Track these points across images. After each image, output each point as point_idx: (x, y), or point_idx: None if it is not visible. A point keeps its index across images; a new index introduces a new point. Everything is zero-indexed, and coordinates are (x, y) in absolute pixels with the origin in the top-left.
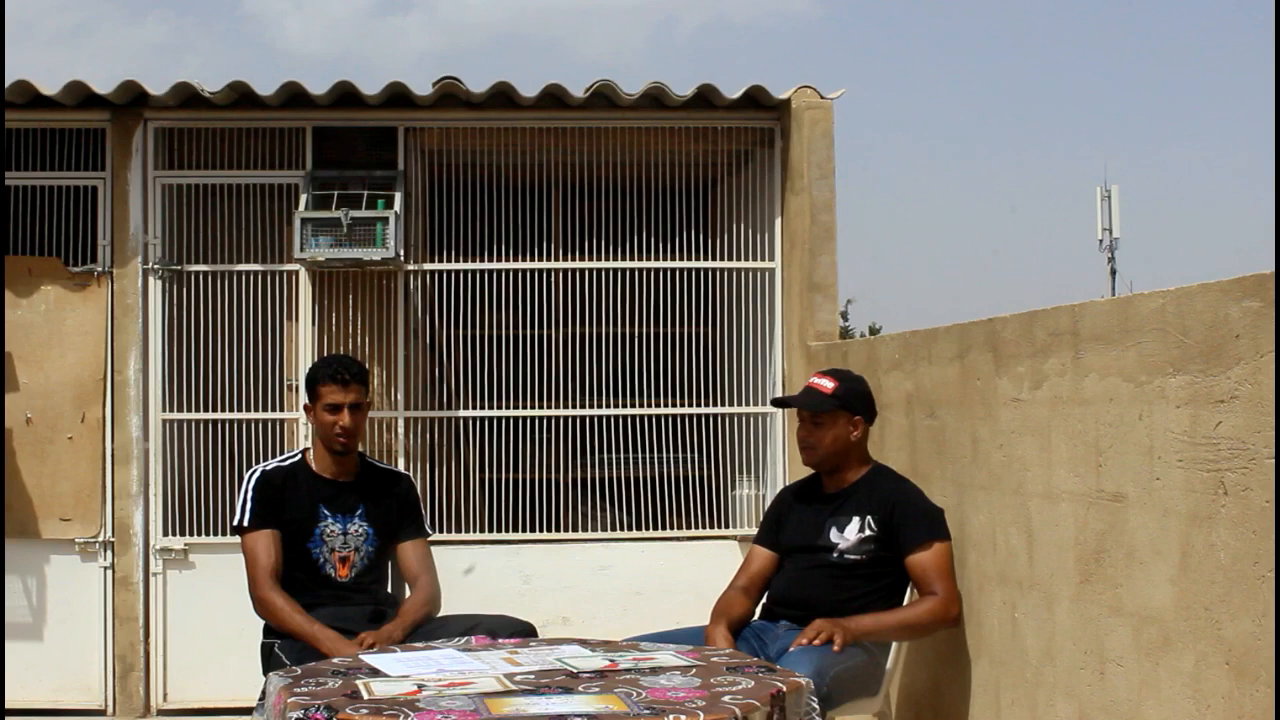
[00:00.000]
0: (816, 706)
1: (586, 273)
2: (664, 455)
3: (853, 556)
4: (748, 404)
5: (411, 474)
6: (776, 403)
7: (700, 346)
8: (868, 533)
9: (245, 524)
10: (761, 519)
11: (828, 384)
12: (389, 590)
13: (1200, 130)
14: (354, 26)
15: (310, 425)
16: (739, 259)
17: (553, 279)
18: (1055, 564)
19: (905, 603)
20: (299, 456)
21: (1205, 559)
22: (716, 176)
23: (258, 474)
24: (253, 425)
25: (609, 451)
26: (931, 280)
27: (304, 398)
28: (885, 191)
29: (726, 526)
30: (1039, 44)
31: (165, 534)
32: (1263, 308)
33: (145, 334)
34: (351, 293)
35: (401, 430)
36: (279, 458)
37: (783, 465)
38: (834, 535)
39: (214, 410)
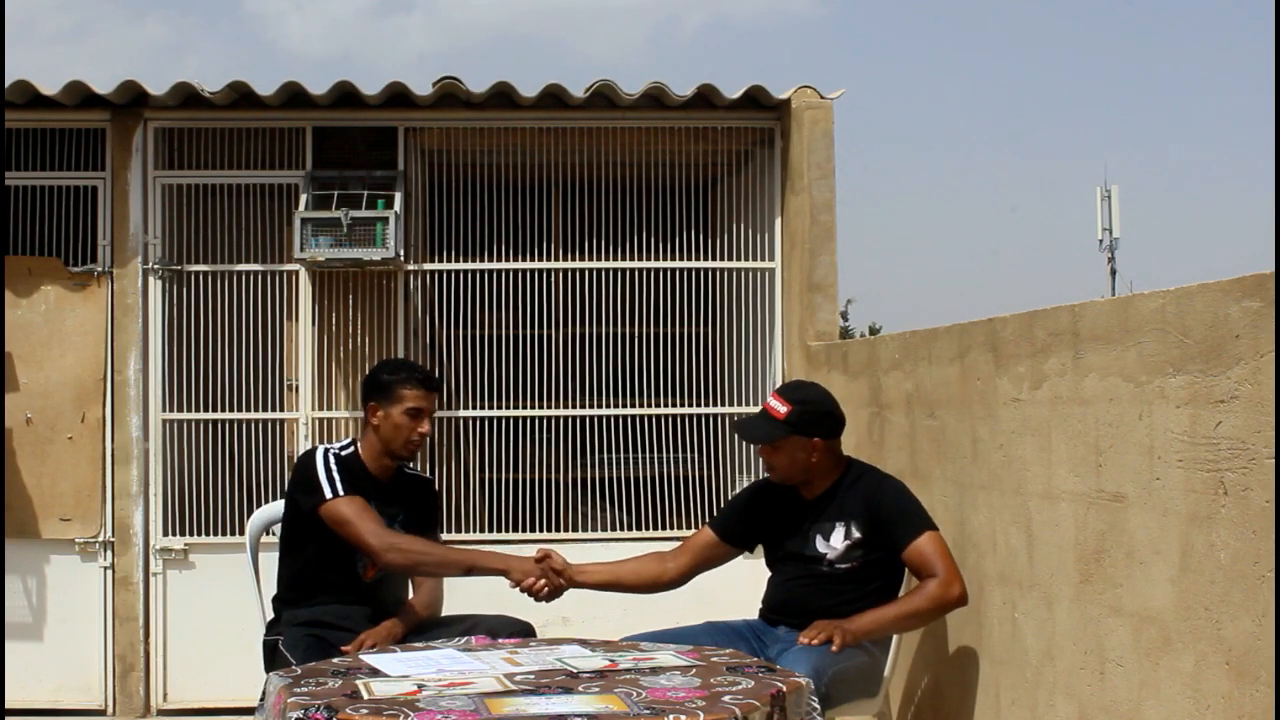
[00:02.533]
0: (817, 706)
1: (586, 273)
2: (664, 455)
3: (843, 565)
4: (748, 404)
5: (431, 478)
6: (734, 428)
7: (700, 346)
8: (854, 538)
9: (338, 492)
10: (727, 503)
11: (781, 407)
12: (399, 595)
13: (1200, 130)
14: (355, 26)
15: (369, 425)
16: (739, 259)
17: (553, 279)
18: (1055, 564)
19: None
20: (352, 449)
21: (1205, 559)
22: (716, 176)
23: (326, 452)
24: (253, 425)
25: (609, 451)
26: (931, 280)
27: (363, 396)
28: (885, 191)
29: None
30: (1039, 44)
31: (165, 534)
32: (1263, 308)
33: (145, 334)
34: (351, 293)
35: None
36: (336, 445)
37: None
38: (820, 544)
39: (214, 410)
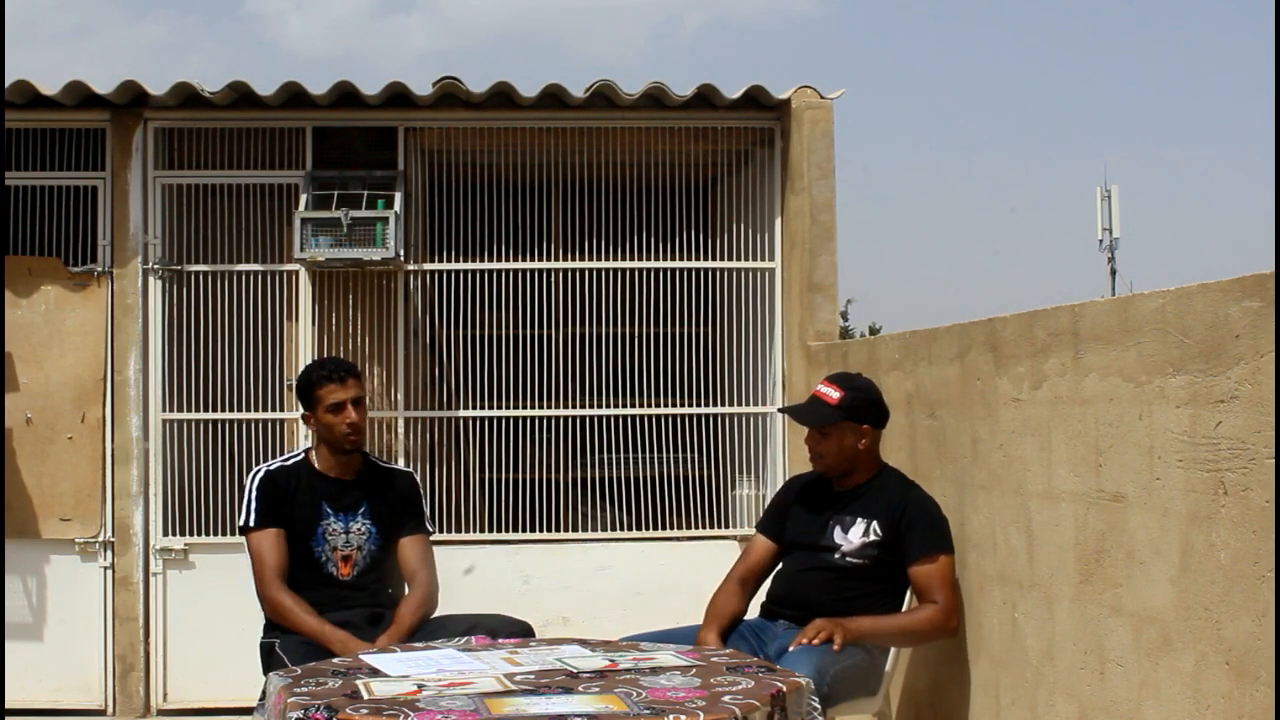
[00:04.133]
0: (817, 706)
1: (586, 273)
2: (664, 455)
3: (854, 560)
4: (748, 404)
5: (411, 470)
6: (785, 411)
7: (700, 346)
8: (872, 537)
9: (251, 524)
10: (767, 506)
11: (833, 393)
12: (390, 590)
13: (1200, 130)
14: (355, 26)
15: (313, 431)
16: (739, 259)
17: (553, 279)
18: (1055, 564)
19: (904, 608)
20: (301, 456)
21: (1205, 559)
22: (716, 176)
23: (261, 474)
24: (253, 425)
25: (609, 451)
26: (931, 280)
27: (299, 408)
28: (885, 191)
29: (726, 526)
30: (1039, 44)
31: (165, 534)
32: (1263, 308)
33: (145, 334)
34: (351, 293)
35: (401, 430)
36: (281, 457)
37: (783, 465)
38: (837, 536)
39: (214, 410)
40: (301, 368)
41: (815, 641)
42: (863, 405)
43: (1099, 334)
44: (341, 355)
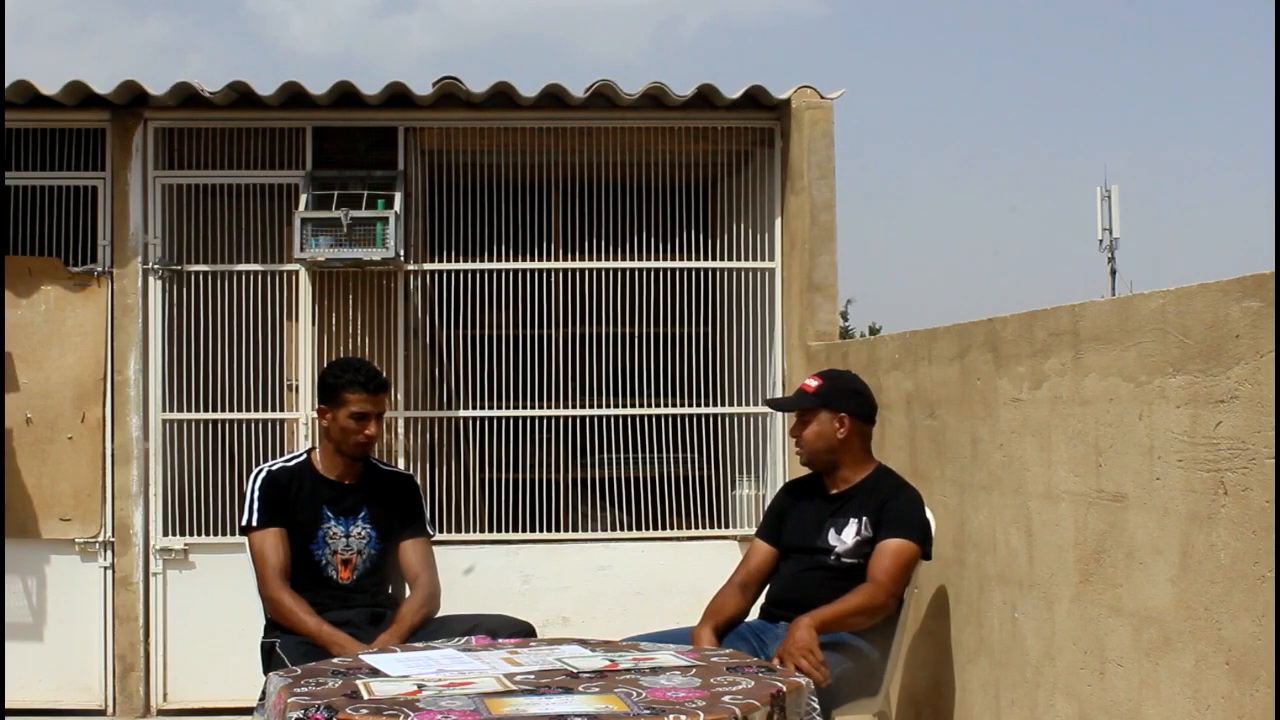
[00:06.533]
0: (817, 706)
1: (586, 273)
2: (664, 455)
3: (850, 560)
4: (748, 404)
5: (411, 474)
6: (768, 403)
7: (700, 346)
8: (864, 534)
9: (253, 523)
10: (765, 511)
11: (813, 383)
12: (390, 591)
13: (1200, 130)
14: (357, 26)
15: (320, 426)
16: (739, 259)
17: (553, 279)
18: (1055, 564)
19: (902, 605)
20: (304, 457)
21: (1205, 559)
22: (716, 176)
23: (263, 474)
24: (253, 425)
25: (609, 451)
26: (931, 280)
27: (316, 399)
28: (885, 191)
29: (726, 526)
30: (1040, 44)
31: (165, 534)
32: (1263, 308)
33: (145, 334)
34: (351, 293)
35: (401, 430)
36: (283, 458)
37: (783, 465)
38: (832, 537)
39: (214, 410)
40: (304, 366)
41: (799, 666)
42: (839, 393)
43: (1099, 334)
44: (341, 355)
